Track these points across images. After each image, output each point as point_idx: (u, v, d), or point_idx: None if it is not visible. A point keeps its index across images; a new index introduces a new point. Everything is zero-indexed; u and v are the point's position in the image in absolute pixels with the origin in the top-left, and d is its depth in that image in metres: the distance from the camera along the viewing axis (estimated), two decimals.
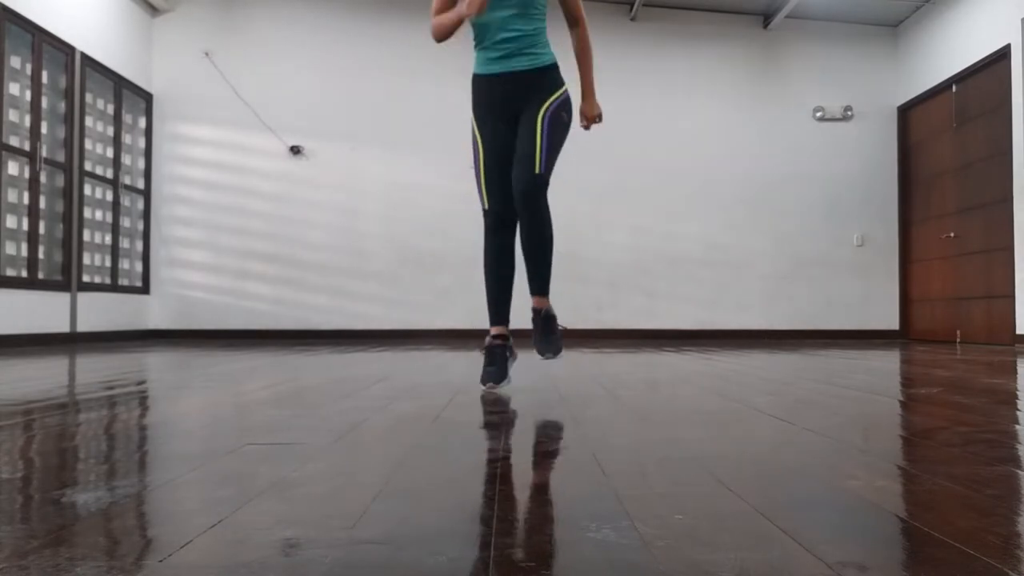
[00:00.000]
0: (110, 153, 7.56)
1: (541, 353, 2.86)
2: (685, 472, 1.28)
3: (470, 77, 2.85)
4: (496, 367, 2.69)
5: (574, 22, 2.98)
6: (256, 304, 8.14)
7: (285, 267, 8.17)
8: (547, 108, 2.75)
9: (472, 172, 2.86)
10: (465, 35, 2.84)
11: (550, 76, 2.81)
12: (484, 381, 2.68)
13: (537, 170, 2.69)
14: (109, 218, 7.55)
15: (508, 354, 2.77)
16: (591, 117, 2.93)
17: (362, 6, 8.37)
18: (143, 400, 2.42)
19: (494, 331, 2.80)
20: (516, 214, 2.75)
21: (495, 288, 2.83)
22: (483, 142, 2.80)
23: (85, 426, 1.80)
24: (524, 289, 2.83)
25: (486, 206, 2.80)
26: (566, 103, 2.82)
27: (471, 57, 2.83)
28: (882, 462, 1.38)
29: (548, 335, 2.84)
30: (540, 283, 2.81)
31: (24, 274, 6.32)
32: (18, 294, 6.20)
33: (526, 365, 3.92)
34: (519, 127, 2.76)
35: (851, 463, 1.35)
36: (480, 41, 2.80)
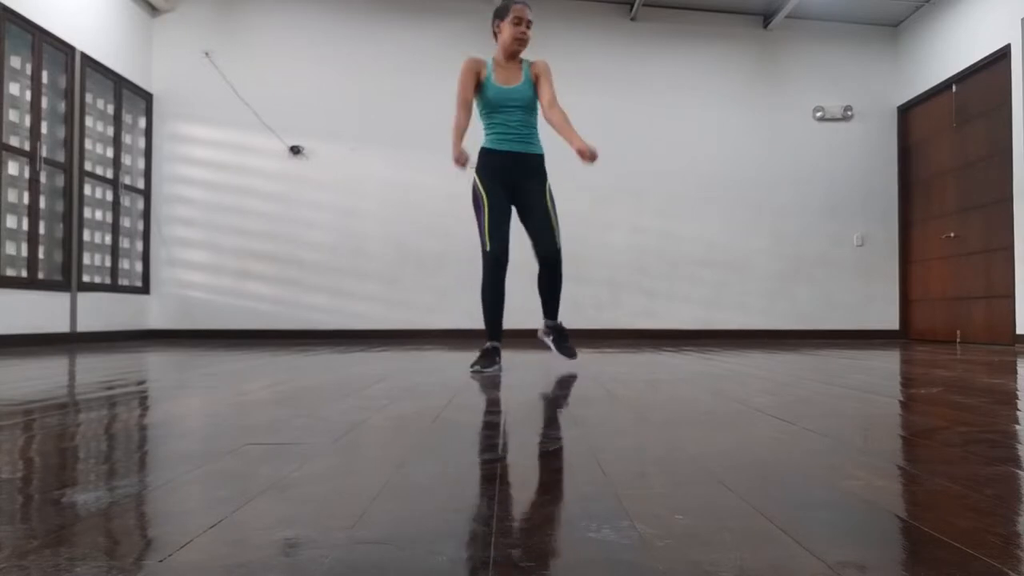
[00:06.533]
0: (110, 153, 7.56)
1: (567, 356, 3.78)
2: (685, 472, 1.28)
3: None
4: (487, 362, 3.48)
5: (550, 105, 3.65)
6: (256, 304, 8.14)
7: (285, 267, 8.17)
8: (548, 193, 3.64)
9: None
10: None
11: (542, 165, 3.69)
12: (474, 368, 3.43)
13: (558, 245, 3.63)
14: (109, 218, 7.55)
15: (497, 358, 3.56)
16: (588, 153, 3.48)
17: (362, 6, 8.37)
18: (143, 400, 2.42)
19: (490, 344, 3.59)
20: (507, 257, 3.54)
21: (492, 312, 3.61)
22: (488, 198, 3.55)
23: (85, 426, 1.80)
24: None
25: (487, 248, 3.53)
26: (551, 190, 3.69)
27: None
28: (882, 462, 1.38)
29: (565, 342, 3.78)
30: (554, 310, 3.76)
31: (24, 274, 6.32)
32: (18, 294, 6.20)
33: (528, 366, 3.92)
34: (525, 203, 3.62)
35: (851, 463, 1.35)
36: (491, 127, 3.63)
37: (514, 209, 3.67)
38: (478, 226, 3.57)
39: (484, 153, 3.63)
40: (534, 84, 3.65)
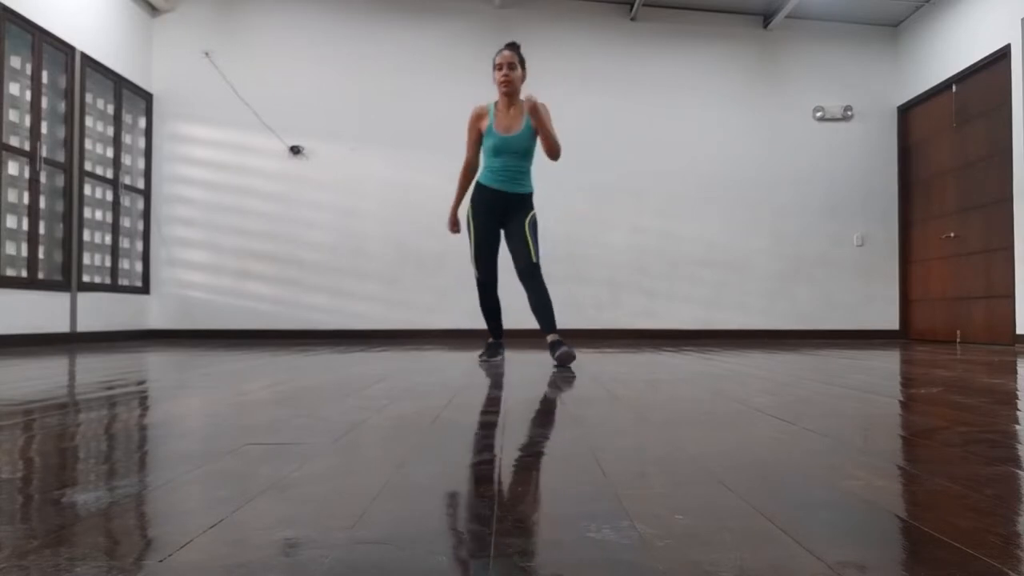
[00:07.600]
0: (110, 153, 7.56)
1: (562, 364, 3.67)
2: (685, 472, 1.28)
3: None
4: (492, 352, 4.22)
5: (551, 154, 3.98)
6: (256, 304, 8.14)
7: (285, 267, 8.17)
8: (528, 221, 3.96)
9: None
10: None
11: (528, 201, 4.03)
12: (481, 357, 4.18)
13: (533, 259, 3.90)
14: (109, 218, 7.55)
15: (500, 349, 4.27)
16: (530, 102, 3.74)
17: (362, 6, 8.37)
18: (143, 400, 2.42)
19: (492, 340, 4.28)
20: (496, 282, 4.07)
21: (489, 319, 4.21)
22: (476, 230, 4.00)
23: (85, 426, 1.80)
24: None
25: (477, 275, 4.06)
26: (535, 218, 4.03)
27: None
28: (882, 462, 1.38)
29: (560, 349, 3.69)
30: (548, 326, 3.85)
31: (24, 274, 6.32)
32: (18, 294, 6.20)
33: (527, 367, 3.92)
34: (508, 230, 4.00)
35: (851, 463, 1.35)
36: (489, 166, 3.97)
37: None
38: (470, 249, 4.06)
39: (478, 187, 4.01)
40: (534, 130, 3.92)
